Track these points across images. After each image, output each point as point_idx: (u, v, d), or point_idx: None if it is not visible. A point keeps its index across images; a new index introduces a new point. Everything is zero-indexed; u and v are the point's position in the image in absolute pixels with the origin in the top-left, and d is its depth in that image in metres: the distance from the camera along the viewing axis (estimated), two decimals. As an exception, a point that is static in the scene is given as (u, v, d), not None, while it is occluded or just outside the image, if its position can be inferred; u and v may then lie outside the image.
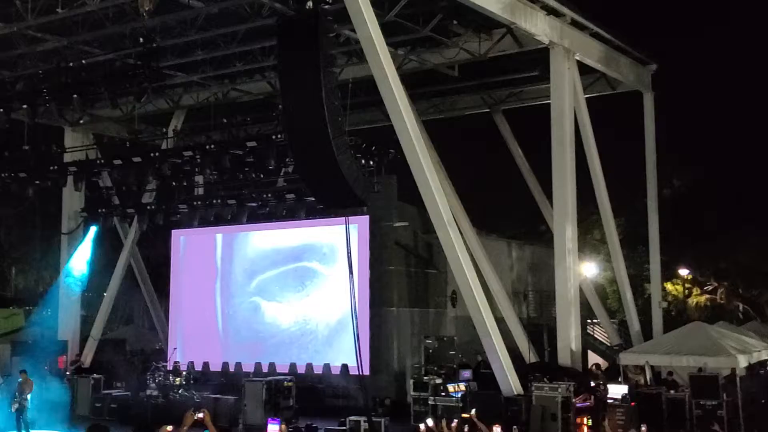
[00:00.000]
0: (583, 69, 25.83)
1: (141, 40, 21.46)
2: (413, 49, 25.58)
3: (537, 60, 25.82)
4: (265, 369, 27.57)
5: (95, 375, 27.75)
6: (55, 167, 28.02)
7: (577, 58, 25.03)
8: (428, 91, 29.76)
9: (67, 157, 28.95)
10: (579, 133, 25.32)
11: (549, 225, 28.21)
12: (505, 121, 31.43)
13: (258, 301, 29.53)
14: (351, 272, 19.95)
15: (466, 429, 13.66)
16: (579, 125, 25.29)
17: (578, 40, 25.11)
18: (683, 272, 37.17)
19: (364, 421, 19.98)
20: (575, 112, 24.83)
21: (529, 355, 25.27)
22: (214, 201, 27.12)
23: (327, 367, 26.92)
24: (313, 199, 22.75)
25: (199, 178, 28.83)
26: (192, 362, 27.90)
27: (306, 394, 25.44)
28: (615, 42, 26.92)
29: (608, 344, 29.62)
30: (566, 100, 24.24)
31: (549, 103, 24.90)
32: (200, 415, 9.45)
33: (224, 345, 29.90)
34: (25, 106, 23.46)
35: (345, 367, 26.18)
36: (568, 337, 23.45)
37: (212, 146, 25.50)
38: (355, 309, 19.92)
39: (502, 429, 13.53)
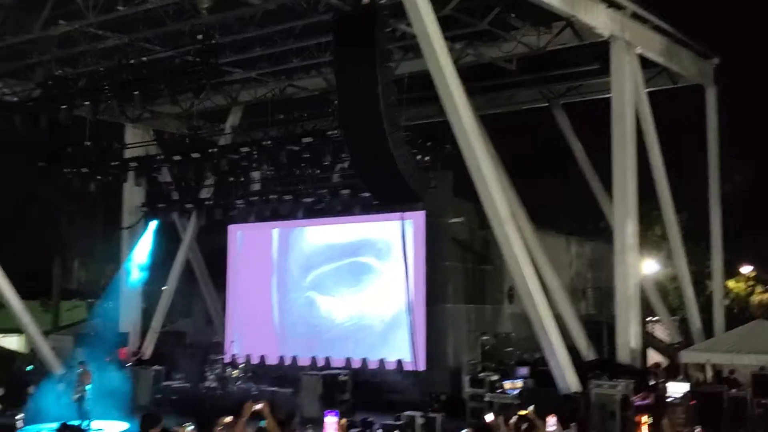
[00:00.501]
0: (644, 62, 25.41)
1: (200, 37, 21.69)
2: (470, 43, 25.41)
3: (597, 53, 25.47)
4: (320, 363, 27.71)
5: (156, 366, 28.17)
6: (116, 163, 28.54)
7: (638, 51, 24.61)
8: (485, 85, 29.48)
9: (128, 153, 29.46)
10: (640, 127, 24.93)
11: (609, 221, 27.83)
12: (565, 115, 31.07)
13: (313, 295, 29.67)
14: (406, 268, 19.98)
15: (524, 427, 13.50)
16: (640, 119, 24.90)
17: (639, 33, 24.70)
18: (746, 269, 36.42)
19: (420, 417, 19.95)
20: (636, 106, 24.45)
21: (588, 353, 24.99)
22: (271, 196, 27.35)
23: (382, 362, 26.94)
24: (369, 194, 22.78)
25: (256, 174, 29.07)
26: (249, 355, 28.16)
27: (361, 388, 25.49)
28: (676, 35, 26.43)
29: (668, 342, 29.16)
30: (627, 94, 23.86)
31: (609, 97, 24.54)
32: (259, 406, 9.56)
33: (280, 339, 30.12)
34: (87, 102, 23.87)
35: (400, 362, 26.20)
36: (628, 335, 23.11)
37: (269, 142, 25.73)
38: (410, 305, 19.93)
39: (557, 420, 13.38)
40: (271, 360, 29.26)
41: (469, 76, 25.45)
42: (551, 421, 12.89)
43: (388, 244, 27.37)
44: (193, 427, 9.52)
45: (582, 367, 22.37)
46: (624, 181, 23.66)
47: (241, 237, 31.79)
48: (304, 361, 28.20)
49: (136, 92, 22.89)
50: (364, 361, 27.32)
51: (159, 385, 27.24)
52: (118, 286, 32.41)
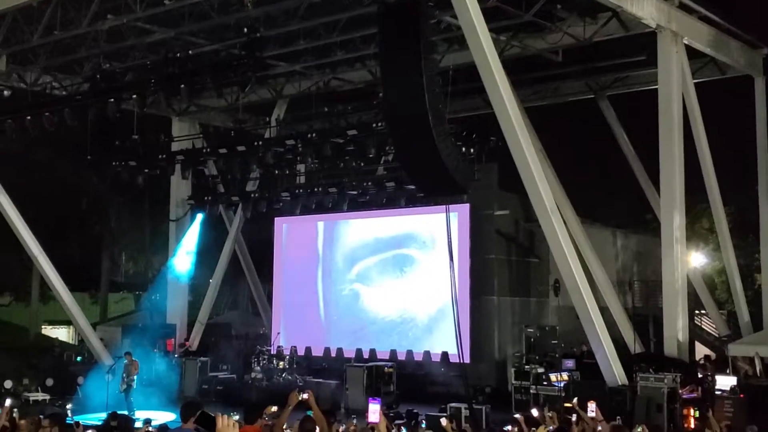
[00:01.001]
0: (692, 53, 25.05)
1: (245, 30, 21.81)
2: (515, 34, 25.23)
3: (644, 44, 25.15)
4: (365, 355, 27.81)
5: (202, 358, 28.50)
6: (164, 156, 28.85)
7: (686, 42, 24.26)
8: (531, 77, 29.27)
9: (175, 146, 29.75)
10: (687, 118, 24.60)
11: (656, 213, 27.51)
12: (611, 107, 30.75)
13: (358, 288, 29.78)
14: (451, 260, 19.93)
15: (573, 418, 13.46)
16: (687, 110, 24.56)
17: (686, 24, 24.35)
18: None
19: (465, 408, 19.95)
20: (683, 97, 24.13)
21: (634, 346, 24.78)
22: (316, 189, 27.48)
23: (427, 354, 26.98)
24: (413, 187, 22.78)
25: (301, 167, 29.22)
26: (295, 347, 28.34)
27: (406, 380, 25.58)
28: (724, 25, 26.00)
29: (716, 335, 28.80)
30: (674, 86, 23.53)
31: (656, 89, 24.24)
32: (305, 395, 9.62)
33: (326, 330, 30.29)
34: (134, 96, 24.15)
35: (445, 354, 26.19)
36: (675, 328, 22.84)
37: (314, 135, 25.85)
38: (455, 297, 19.89)
39: (596, 405, 13.35)
40: (317, 352, 29.45)
41: (514, 67, 25.36)
42: (591, 407, 12.86)
43: (433, 237, 27.39)
44: (238, 417, 9.57)
45: (628, 360, 22.21)
46: (671, 173, 23.36)
47: (286, 229, 31.99)
48: (349, 353, 28.33)
49: (182, 86, 23.08)
50: (409, 353, 27.39)
51: (205, 376, 27.56)
52: (165, 278, 32.80)
